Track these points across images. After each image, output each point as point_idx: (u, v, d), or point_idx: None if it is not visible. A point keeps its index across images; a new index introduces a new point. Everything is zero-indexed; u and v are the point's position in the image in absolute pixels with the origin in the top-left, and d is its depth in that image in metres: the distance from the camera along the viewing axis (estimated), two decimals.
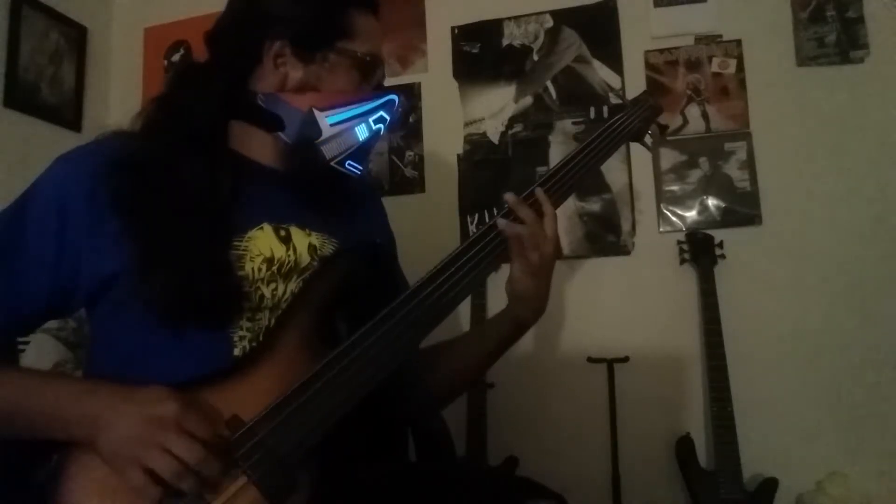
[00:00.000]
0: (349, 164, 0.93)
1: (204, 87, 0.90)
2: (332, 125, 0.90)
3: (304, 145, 0.90)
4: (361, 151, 0.95)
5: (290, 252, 0.88)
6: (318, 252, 0.91)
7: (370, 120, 0.94)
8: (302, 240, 0.90)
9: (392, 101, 0.96)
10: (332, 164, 0.91)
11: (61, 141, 2.09)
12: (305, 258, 0.89)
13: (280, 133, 0.91)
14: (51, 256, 0.80)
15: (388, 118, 0.96)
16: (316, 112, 0.89)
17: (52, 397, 0.72)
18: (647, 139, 1.16)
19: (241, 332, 0.83)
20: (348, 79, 0.92)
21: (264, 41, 0.89)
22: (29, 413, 0.72)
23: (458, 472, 1.22)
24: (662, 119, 1.21)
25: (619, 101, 1.96)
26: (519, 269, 0.89)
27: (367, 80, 0.94)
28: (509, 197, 0.90)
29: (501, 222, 0.88)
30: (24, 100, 2.00)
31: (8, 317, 0.81)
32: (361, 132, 0.93)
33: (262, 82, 0.91)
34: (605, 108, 1.99)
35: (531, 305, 0.92)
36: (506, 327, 0.97)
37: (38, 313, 0.84)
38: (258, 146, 0.93)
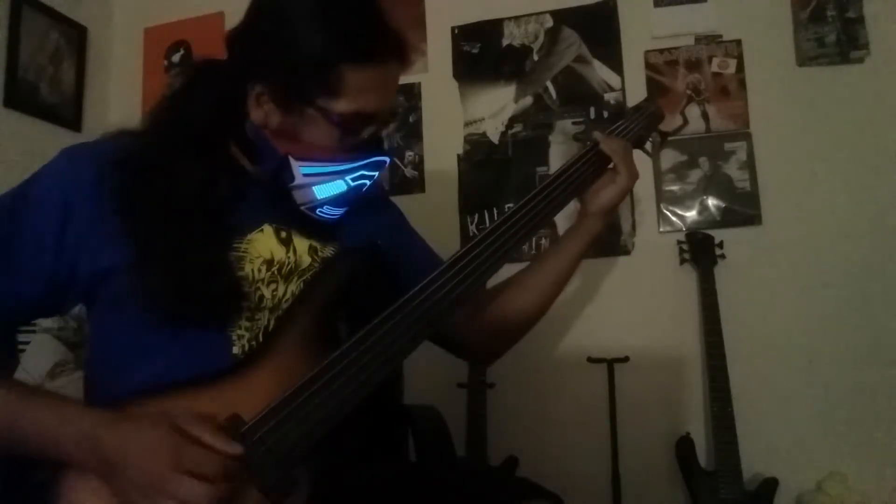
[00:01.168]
0: (320, 212, 0.90)
1: (209, 92, 0.88)
2: (305, 175, 0.86)
3: (276, 184, 0.87)
4: (337, 200, 0.90)
5: (291, 253, 0.88)
6: (319, 253, 0.91)
7: (348, 178, 0.88)
8: (302, 241, 0.90)
9: (379, 162, 0.90)
10: (302, 208, 0.89)
11: (61, 141, 2.08)
12: (306, 259, 0.89)
13: (257, 166, 0.90)
14: (51, 243, 0.80)
15: (371, 175, 0.90)
16: (291, 159, 0.85)
17: (51, 434, 0.70)
18: (648, 146, 1.16)
19: (239, 332, 0.83)
20: (327, 135, 0.85)
21: (248, 81, 0.85)
22: (24, 441, 0.70)
23: (458, 472, 1.22)
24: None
25: (616, 103, 1.97)
26: (624, 177, 1.01)
27: (349, 137, 0.86)
28: (597, 133, 1.04)
29: (602, 138, 1.03)
30: (24, 100, 2.00)
31: (6, 299, 0.80)
32: (336, 187, 0.88)
33: (252, 111, 0.87)
34: (605, 111, 1.99)
35: (610, 217, 1.04)
36: (584, 240, 1.04)
37: (36, 299, 0.82)
38: (248, 163, 0.92)
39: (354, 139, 0.86)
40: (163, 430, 0.67)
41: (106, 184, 0.81)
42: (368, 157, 0.89)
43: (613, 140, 1.03)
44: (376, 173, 0.91)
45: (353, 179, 0.89)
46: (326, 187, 0.88)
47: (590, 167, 1.01)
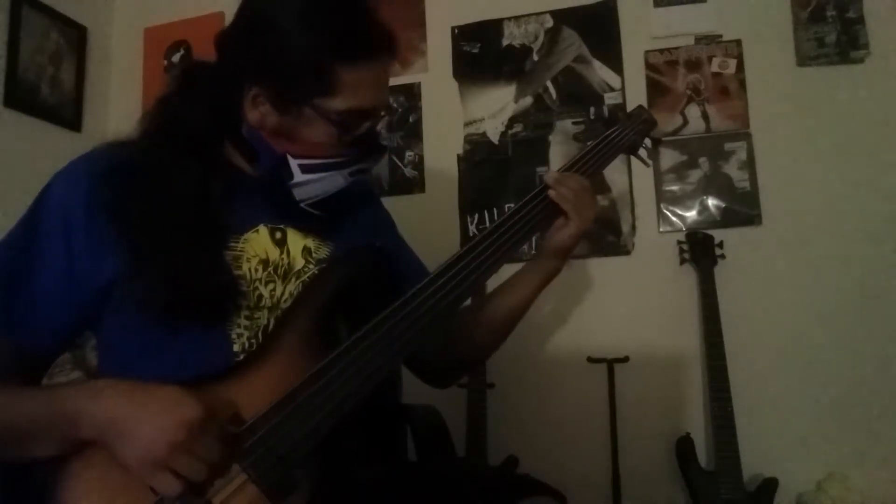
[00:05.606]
0: (320, 209, 0.91)
1: (202, 94, 0.88)
2: (304, 172, 0.87)
3: (275, 183, 0.88)
4: (338, 195, 0.91)
5: (284, 255, 0.89)
6: (313, 255, 0.91)
7: (346, 172, 0.89)
8: (297, 242, 0.91)
9: (377, 155, 0.93)
10: (302, 205, 0.90)
11: (61, 141, 2.10)
12: (300, 261, 0.90)
13: (255, 166, 0.90)
14: (66, 271, 0.80)
15: (369, 167, 0.93)
16: (290, 158, 0.87)
17: (62, 398, 0.72)
18: (642, 152, 1.18)
19: (238, 330, 0.83)
20: (325, 133, 0.86)
21: (243, 84, 0.86)
22: (42, 417, 0.71)
23: (458, 471, 1.22)
24: (661, 121, 1.23)
25: (610, 107, 1.97)
26: (574, 225, 0.96)
27: (347, 133, 0.87)
28: (550, 176, 0.97)
29: (551, 180, 0.96)
30: (24, 100, 2.00)
31: (40, 335, 0.81)
32: (335, 182, 0.89)
33: (248, 113, 0.88)
34: (605, 109, 1.99)
35: (565, 259, 1.00)
36: (539, 280, 1.02)
37: (70, 328, 0.84)
38: (244, 163, 0.93)
39: (352, 135, 0.87)
40: (193, 411, 0.68)
41: (99, 194, 0.81)
42: (365, 151, 0.90)
43: (564, 184, 0.97)
44: (374, 166, 0.93)
45: (352, 174, 0.90)
46: (326, 183, 0.89)
47: (540, 212, 0.96)
